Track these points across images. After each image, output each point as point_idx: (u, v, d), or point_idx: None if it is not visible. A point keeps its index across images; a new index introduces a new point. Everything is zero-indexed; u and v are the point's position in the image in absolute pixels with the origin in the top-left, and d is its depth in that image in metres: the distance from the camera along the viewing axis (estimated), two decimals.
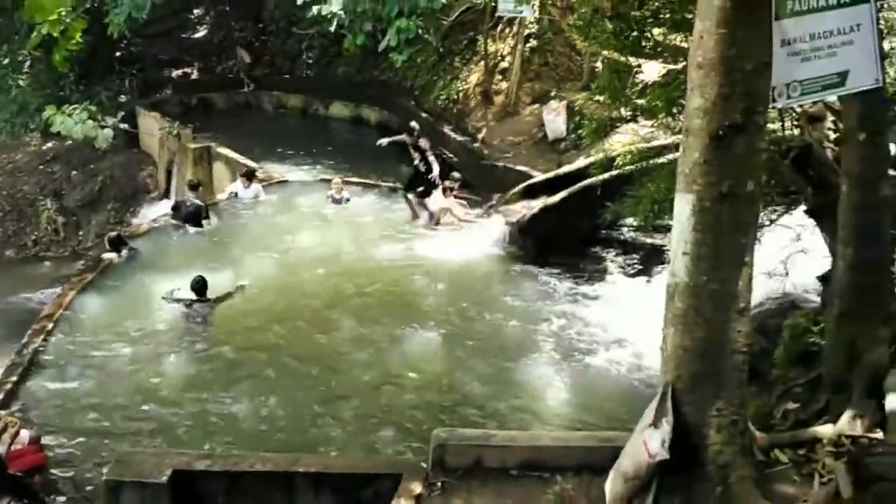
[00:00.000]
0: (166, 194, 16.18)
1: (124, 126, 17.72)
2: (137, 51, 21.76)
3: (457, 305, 9.03)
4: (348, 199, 12.55)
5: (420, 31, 15.27)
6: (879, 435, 3.67)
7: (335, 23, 15.68)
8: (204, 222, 11.57)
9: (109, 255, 10.29)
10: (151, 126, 17.26)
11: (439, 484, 4.38)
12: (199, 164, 14.63)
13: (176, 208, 11.91)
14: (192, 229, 11.46)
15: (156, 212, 14.34)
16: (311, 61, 20.98)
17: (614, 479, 3.77)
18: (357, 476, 4.90)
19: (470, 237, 11.05)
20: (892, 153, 4.41)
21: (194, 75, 21.76)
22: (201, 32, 23.25)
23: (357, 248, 10.66)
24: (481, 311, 8.87)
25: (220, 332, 8.52)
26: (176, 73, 21.65)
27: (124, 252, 10.32)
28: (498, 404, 6.90)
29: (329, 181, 13.16)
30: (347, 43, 16.48)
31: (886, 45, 4.45)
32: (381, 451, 6.29)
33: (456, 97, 15.73)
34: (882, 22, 4.21)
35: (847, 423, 3.79)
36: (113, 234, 11.04)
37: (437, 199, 11.73)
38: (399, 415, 6.77)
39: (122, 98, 19.50)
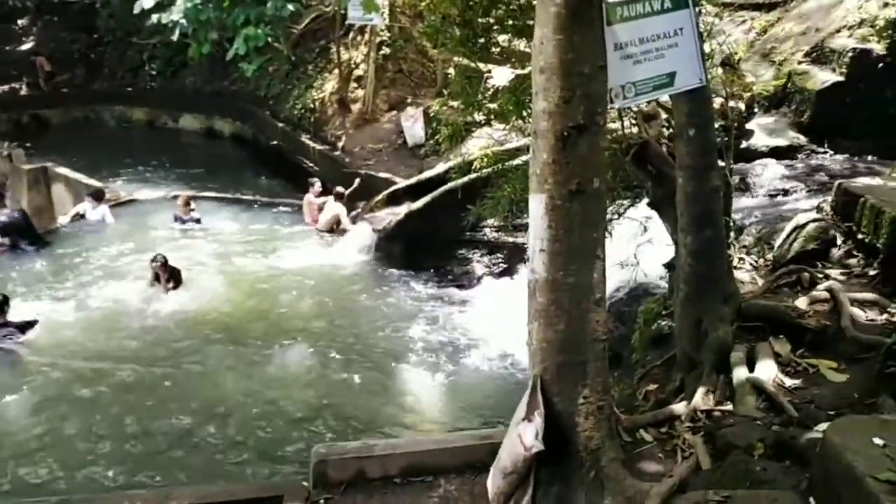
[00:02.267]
0: None
1: None
2: None
3: (327, 316, 8.92)
4: (198, 220, 11.78)
5: (269, 40, 14.94)
6: (730, 407, 3.95)
7: (178, 32, 15.01)
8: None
9: None
10: None
11: (322, 501, 4.29)
12: (36, 188, 13.42)
13: (4, 230, 10.80)
14: (29, 248, 10.57)
15: None
16: (154, 72, 20.01)
17: (494, 476, 3.83)
18: (235, 503, 4.70)
19: (336, 246, 10.95)
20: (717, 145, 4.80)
21: (23, 91, 20.05)
22: (28, 44, 21.45)
23: (218, 265, 10.26)
24: (353, 320, 8.81)
25: (59, 360, 7.87)
26: (1, 88, 19.87)
27: None
28: (376, 412, 6.88)
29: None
30: (192, 52, 15.83)
31: (706, 47, 4.84)
32: (259, 474, 6.08)
33: (312, 106, 15.52)
34: (701, 26, 4.56)
35: (700, 399, 4.04)
36: None
37: (329, 207, 11.68)
38: (274, 434, 6.58)
39: None
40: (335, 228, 11.55)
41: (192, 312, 8.90)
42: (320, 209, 11.89)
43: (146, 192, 13.85)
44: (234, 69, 16.94)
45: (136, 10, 15.39)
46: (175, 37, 15.26)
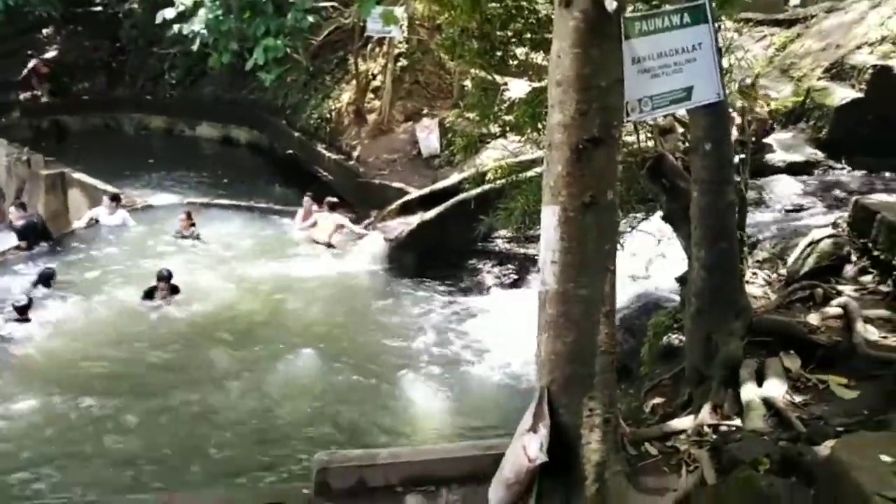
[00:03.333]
0: None
1: None
2: None
3: (335, 325, 8.92)
4: (198, 236, 11.51)
5: (288, 51, 15.09)
6: (737, 422, 3.91)
7: (198, 42, 15.22)
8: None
9: None
10: None
11: None
12: (53, 192, 13.55)
13: (23, 233, 10.93)
14: (45, 247, 10.79)
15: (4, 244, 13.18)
16: (174, 81, 20.19)
17: (496, 487, 3.80)
18: None
19: (349, 255, 10.98)
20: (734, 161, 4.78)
21: (44, 98, 20.35)
22: (52, 53, 21.77)
23: (227, 273, 10.29)
24: (361, 329, 8.81)
25: (66, 365, 7.94)
26: (24, 95, 20.15)
27: None
28: (382, 422, 6.86)
29: (196, 204, 12.69)
30: (212, 62, 16.03)
31: (725, 62, 4.82)
32: (261, 482, 6.07)
33: (329, 116, 15.61)
34: (720, 41, 4.54)
35: (707, 414, 4.00)
36: None
37: (329, 219, 11.68)
38: (278, 442, 6.58)
39: None
40: (332, 242, 11.49)
41: (198, 320, 8.93)
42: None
43: (162, 198, 13.99)
44: (252, 79, 17.11)
45: (158, 20, 15.64)
46: (195, 47, 15.48)
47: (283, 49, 14.81)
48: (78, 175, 13.60)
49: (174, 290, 9.36)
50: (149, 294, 9.29)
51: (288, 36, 15.00)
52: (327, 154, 14.89)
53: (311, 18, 14.93)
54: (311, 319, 9.09)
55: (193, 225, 11.64)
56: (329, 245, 11.43)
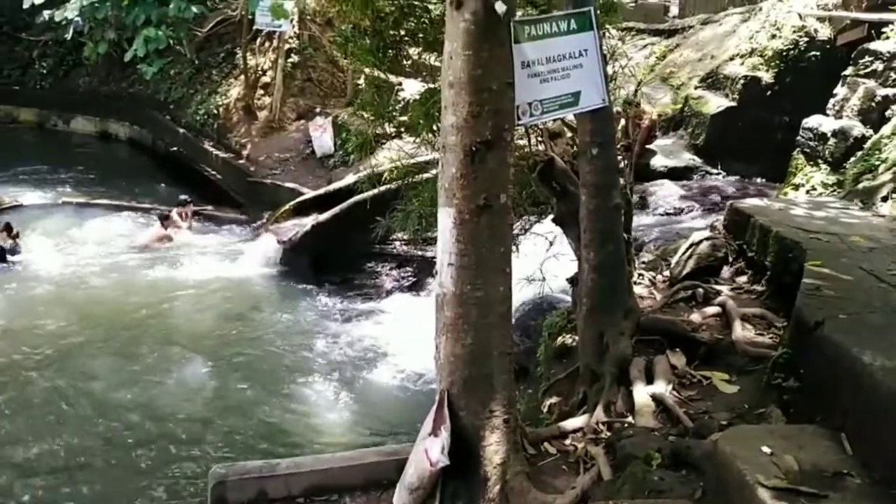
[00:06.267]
0: None
1: None
2: None
3: (228, 331, 8.60)
4: (18, 252, 10.38)
5: (171, 42, 14.45)
6: (630, 419, 4.06)
7: (72, 30, 14.31)
8: None
9: None
10: None
11: None
12: None
13: None
14: None
15: None
16: (45, 71, 18.86)
17: (400, 492, 3.79)
18: None
19: (240, 258, 10.63)
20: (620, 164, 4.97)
21: None
22: None
23: (108, 276, 9.73)
24: (255, 334, 8.52)
25: None
26: None
27: None
28: (280, 430, 6.67)
29: (74, 204, 11.92)
30: (88, 52, 15.12)
31: (610, 69, 5.00)
32: (154, 497, 5.77)
33: (216, 112, 15.03)
34: (605, 48, 4.71)
35: (602, 412, 4.13)
36: None
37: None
38: (171, 454, 6.26)
39: None
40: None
41: (75, 325, 8.37)
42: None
43: (33, 197, 13.04)
44: (132, 71, 16.27)
45: (27, 5, 14.57)
46: (69, 35, 14.54)
47: (165, 40, 14.18)
48: None
49: None
50: None
51: (170, 26, 14.37)
52: (215, 152, 14.34)
53: (195, 9, 14.35)
54: (202, 325, 8.71)
55: (17, 237, 10.56)
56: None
